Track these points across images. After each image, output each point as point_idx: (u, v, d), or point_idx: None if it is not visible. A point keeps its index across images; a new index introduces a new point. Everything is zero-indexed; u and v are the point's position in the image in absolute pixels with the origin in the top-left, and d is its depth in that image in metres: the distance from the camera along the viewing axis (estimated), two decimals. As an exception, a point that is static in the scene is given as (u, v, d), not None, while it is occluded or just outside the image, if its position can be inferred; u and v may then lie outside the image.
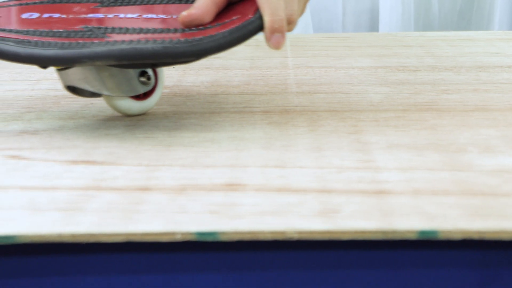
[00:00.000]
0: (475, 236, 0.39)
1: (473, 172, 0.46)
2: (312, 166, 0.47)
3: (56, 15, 0.57)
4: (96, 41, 0.51)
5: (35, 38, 0.52)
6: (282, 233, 0.39)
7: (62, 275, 0.41)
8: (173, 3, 0.59)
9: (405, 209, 0.41)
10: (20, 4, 0.60)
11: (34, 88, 0.70)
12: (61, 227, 0.39)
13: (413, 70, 0.74)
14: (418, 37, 0.94)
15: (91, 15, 0.57)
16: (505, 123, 0.56)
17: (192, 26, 0.54)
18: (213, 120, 0.58)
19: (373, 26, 1.16)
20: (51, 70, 0.76)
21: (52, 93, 0.67)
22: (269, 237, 0.39)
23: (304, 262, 0.41)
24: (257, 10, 0.54)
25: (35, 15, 0.57)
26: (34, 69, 0.78)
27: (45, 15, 0.57)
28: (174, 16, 0.56)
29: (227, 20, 0.54)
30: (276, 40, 0.54)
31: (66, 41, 0.51)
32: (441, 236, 0.39)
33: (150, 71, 0.57)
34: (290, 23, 0.55)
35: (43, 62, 0.51)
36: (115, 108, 0.58)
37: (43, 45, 0.51)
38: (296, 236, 0.39)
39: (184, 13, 0.54)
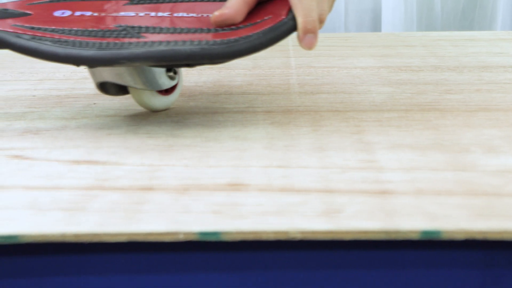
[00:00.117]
0: (478, 236, 0.39)
1: (476, 172, 0.46)
2: (315, 166, 0.47)
3: (88, 13, 0.57)
4: (132, 41, 0.51)
5: (72, 38, 0.52)
6: (285, 233, 0.39)
7: (65, 275, 0.41)
8: (202, 0, 0.60)
9: (408, 209, 0.41)
10: (51, 1, 0.60)
11: (37, 88, 0.70)
12: (64, 227, 0.39)
13: (416, 70, 0.74)
14: (421, 37, 0.93)
15: (122, 13, 0.58)
16: (508, 123, 0.56)
17: (224, 25, 0.54)
18: (216, 120, 0.58)
19: (376, 25, 1.16)
20: (54, 70, 0.76)
21: (54, 93, 0.67)
22: (272, 237, 0.39)
23: (307, 262, 0.41)
24: (289, 10, 0.55)
25: (67, 12, 0.57)
26: (36, 69, 0.78)
27: (77, 13, 0.58)
28: (205, 15, 0.57)
29: (259, 20, 0.54)
30: (309, 40, 0.54)
31: (104, 41, 0.52)
32: (444, 236, 0.39)
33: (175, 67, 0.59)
34: (321, 22, 0.56)
35: (82, 62, 0.51)
36: (142, 103, 0.59)
37: (80, 45, 0.51)
38: (299, 236, 0.39)
39: (216, 13, 0.54)
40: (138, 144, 0.52)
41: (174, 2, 0.60)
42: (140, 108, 0.60)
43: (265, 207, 0.41)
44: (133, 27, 0.54)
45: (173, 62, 0.51)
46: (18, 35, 0.52)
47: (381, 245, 0.40)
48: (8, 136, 0.55)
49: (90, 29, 0.54)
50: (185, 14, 0.57)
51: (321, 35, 0.96)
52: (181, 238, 0.39)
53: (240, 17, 0.55)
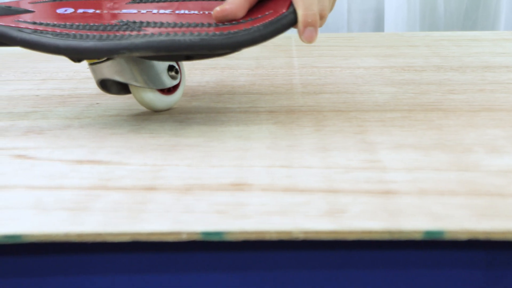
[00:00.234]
0: (481, 237, 0.38)
1: (479, 172, 0.46)
2: (318, 166, 0.47)
3: (91, 10, 0.58)
4: (133, 34, 0.52)
5: (73, 31, 0.53)
6: (288, 233, 0.39)
7: (68, 274, 0.41)
8: None
9: (411, 209, 0.41)
10: (54, 0, 0.61)
11: (40, 87, 0.70)
12: (67, 227, 0.39)
13: (419, 70, 0.74)
14: (424, 37, 0.93)
15: (124, 11, 0.58)
16: (511, 123, 0.56)
17: (225, 21, 0.55)
18: (219, 120, 0.58)
19: (379, 25, 1.16)
20: (57, 70, 0.76)
21: (57, 93, 0.67)
22: (275, 237, 0.39)
23: (310, 262, 0.41)
24: (290, 5, 0.55)
25: (70, 10, 0.58)
26: (39, 69, 0.78)
27: (80, 10, 0.58)
28: (207, 12, 0.57)
29: (259, 15, 0.55)
30: (309, 34, 0.55)
31: (104, 34, 0.52)
32: (447, 237, 0.39)
33: (177, 66, 0.59)
34: (321, 18, 0.56)
35: (82, 53, 0.51)
36: (143, 102, 0.59)
37: (81, 37, 0.52)
38: (302, 236, 0.39)
39: (218, 8, 0.55)
40: (141, 144, 0.52)
41: (178, 0, 0.61)
42: (143, 108, 0.61)
43: (268, 207, 0.41)
44: (134, 22, 0.54)
45: (172, 52, 0.51)
46: (20, 29, 0.53)
47: (385, 245, 0.40)
48: (11, 135, 0.55)
49: (91, 24, 0.54)
50: (187, 12, 0.58)
51: (324, 35, 0.96)
52: (184, 238, 0.39)
53: (241, 13, 0.55)
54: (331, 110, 0.60)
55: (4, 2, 0.59)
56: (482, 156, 0.49)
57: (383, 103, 0.62)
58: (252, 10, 0.56)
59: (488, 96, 0.63)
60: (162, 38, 0.51)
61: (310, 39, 0.55)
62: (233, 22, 0.55)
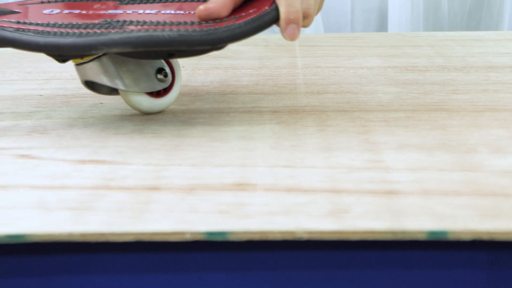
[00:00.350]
0: (485, 237, 0.38)
1: (483, 172, 0.46)
2: (322, 166, 0.47)
3: (76, 11, 0.58)
4: (113, 31, 0.52)
5: (55, 29, 0.53)
6: (292, 233, 0.39)
7: (72, 274, 0.41)
8: (191, 1, 0.60)
9: (415, 209, 0.41)
10: (42, 2, 0.61)
11: (44, 87, 0.70)
12: (70, 226, 0.39)
13: (422, 70, 0.74)
14: (428, 37, 0.93)
15: (110, 11, 0.58)
16: (515, 124, 0.56)
17: (209, 19, 0.54)
18: (222, 120, 0.58)
19: (382, 24, 1.16)
20: (61, 70, 0.76)
21: (61, 93, 0.67)
22: (278, 237, 0.39)
23: (314, 262, 0.40)
24: (273, 3, 0.55)
25: (56, 11, 0.58)
26: (43, 68, 0.78)
27: (66, 11, 0.58)
28: (192, 12, 0.57)
29: (243, 14, 0.54)
30: (291, 31, 0.54)
31: (84, 31, 0.52)
32: (451, 237, 0.39)
33: (167, 69, 0.58)
34: (306, 17, 0.55)
35: (61, 50, 0.51)
36: (131, 104, 0.58)
37: (61, 34, 0.52)
38: (305, 236, 0.39)
39: (201, 7, 0.54)
40: (144, 143, 0.52)
41: (164, 2, 0.60)
42: (146, 108, 0.60)
43: (271, 207, 0.41)
44: (118, 21, 0.54)
45: (151, 48, 0.51)
46: (3, 28, 0.53)
47: (388, 246, 0.40)
48: (15, 135, 0.55)
49: (74, 22, 0.54)
50: (172, 12, 0.58)
51: (327, 34, 0.96)
52: (187, 238, 0.39)
53: (225, 12, 0.55)
54: (335, 110, 0.60)
55: None
56: (486, 156, 0.49)
57: (386, 103, 0.62)
58: (236, 10, 0.56)
59: (492, 96, 0.63)
60: (141, 34, 0.51)
61: (292, 37, 0.55)
62: (217, 20, 0.54)
